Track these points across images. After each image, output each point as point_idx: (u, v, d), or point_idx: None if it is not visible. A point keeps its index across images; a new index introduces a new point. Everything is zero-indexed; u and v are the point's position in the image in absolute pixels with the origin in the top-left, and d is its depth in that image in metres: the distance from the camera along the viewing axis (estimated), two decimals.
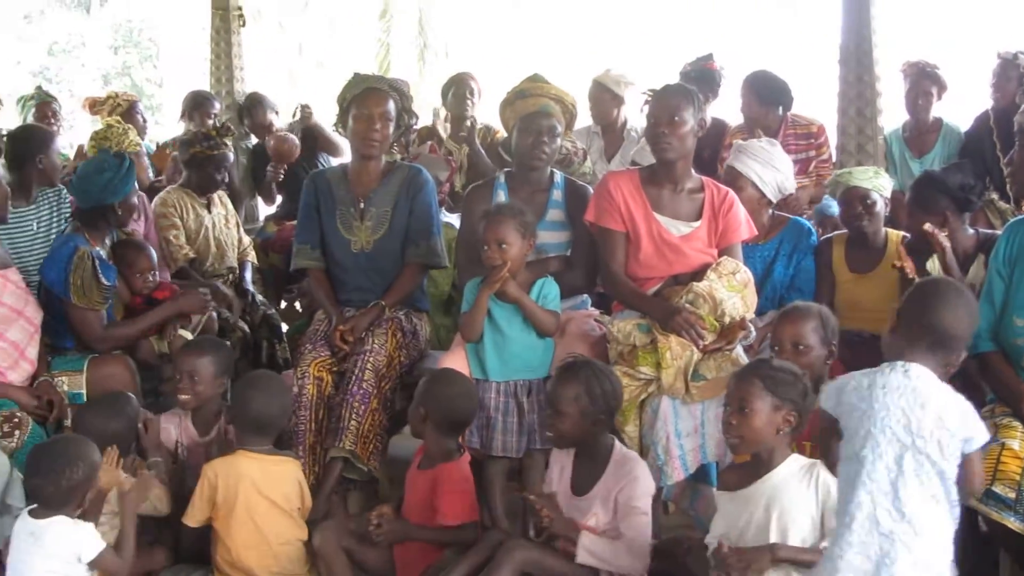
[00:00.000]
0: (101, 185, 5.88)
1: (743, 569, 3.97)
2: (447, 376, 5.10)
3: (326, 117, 8.36)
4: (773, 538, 4.01)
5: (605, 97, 8.54)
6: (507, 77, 6.90)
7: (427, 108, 8.90)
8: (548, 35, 24.00)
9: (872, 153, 7.42)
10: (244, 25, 9.76)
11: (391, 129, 6.05)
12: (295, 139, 8.67)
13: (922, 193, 5.82)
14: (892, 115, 7.95)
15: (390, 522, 4.85)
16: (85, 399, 5.54)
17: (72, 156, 8.14)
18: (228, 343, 6.09)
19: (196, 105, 9.06)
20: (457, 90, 8.65)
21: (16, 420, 5.22)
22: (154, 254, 6.32)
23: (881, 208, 6.01)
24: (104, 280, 5.70)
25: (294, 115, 9.17)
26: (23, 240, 6.03)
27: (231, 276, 7.43)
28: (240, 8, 9.69)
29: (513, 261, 5.35)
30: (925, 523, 3.48)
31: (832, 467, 3.93)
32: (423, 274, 6.24)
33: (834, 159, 7.69)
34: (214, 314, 6.63)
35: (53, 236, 6.05)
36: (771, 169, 6.01)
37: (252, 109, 9.28)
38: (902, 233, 6.02)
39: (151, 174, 8.47)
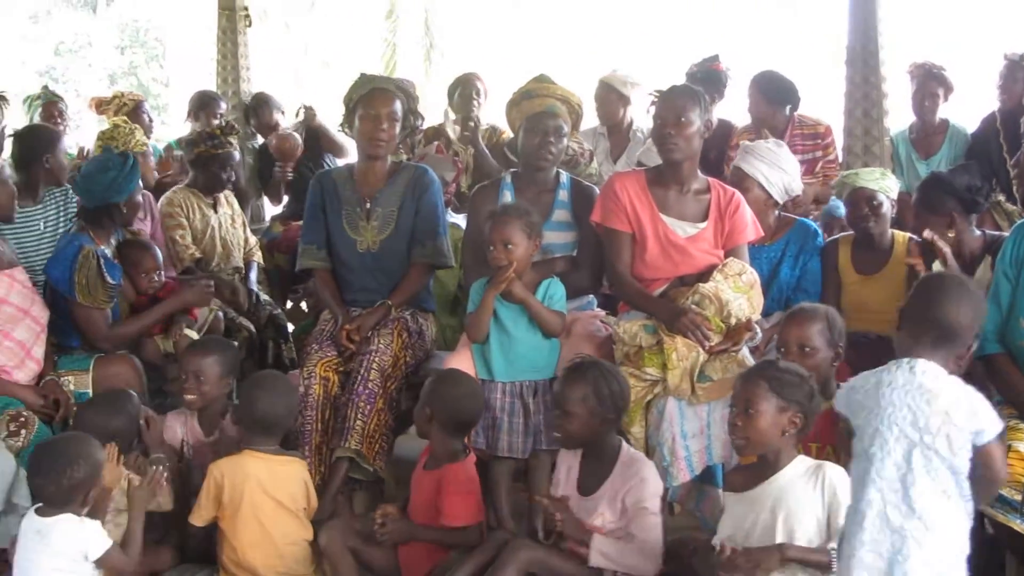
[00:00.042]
0: (105, 184, 5.89)
1: (752, 569, 3.97)
2: (453, 377, 5.10)
3: (332, 117, 8.35)
4: (779, 539, 4.02)
5: (611, 97, 8.53)
6: (513, 78, 6.90)
7: (433, 108, 8.88)
8: (553, 36, 24.01)
9: (878, 154, 7.40)
10: (250, 25, 9.75)
11: (397, 129, 6.05)
12: (297, 137, 8.68)
13: (929, 194, 5.81)
14: (898, 116, 7.94)
15: (394, 522, 4.85)
16: None
17: (76, 156, 8.14)
18: (234, 343, 6.09)
19: (202, 105, 9.07)
20: (463, 90, 8.65)
21: (23, 419, 5.22)
22: (159, 254, 6.31)
23: (887, 209, 6.00)
24: (109, 279, 5.70)
25: (297, 115, 9.17)
26: (30, 239, 6.05)
27: (237, 276, 7.42)
28: (246, 8, 9.69)
29: (519, 262, 5.36)
30: (937, 519, 3.47)
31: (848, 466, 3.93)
32: (429, 274, 6.24)
33: (840, 160, 7.68)
34: (220, 314, 6.64)
35: (60, 236, 6.05)
36: (778, 170, 6.00)
37: (258, 109, 9.28)
38: (909, 234, 6.02)
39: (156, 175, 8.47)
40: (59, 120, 8.81)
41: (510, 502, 5.38)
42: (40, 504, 4.45)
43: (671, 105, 5.39)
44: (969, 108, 8.48)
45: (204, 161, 7.38)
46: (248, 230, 7.81)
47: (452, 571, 4.62)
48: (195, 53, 20.11)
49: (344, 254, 6.11)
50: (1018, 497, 4.34)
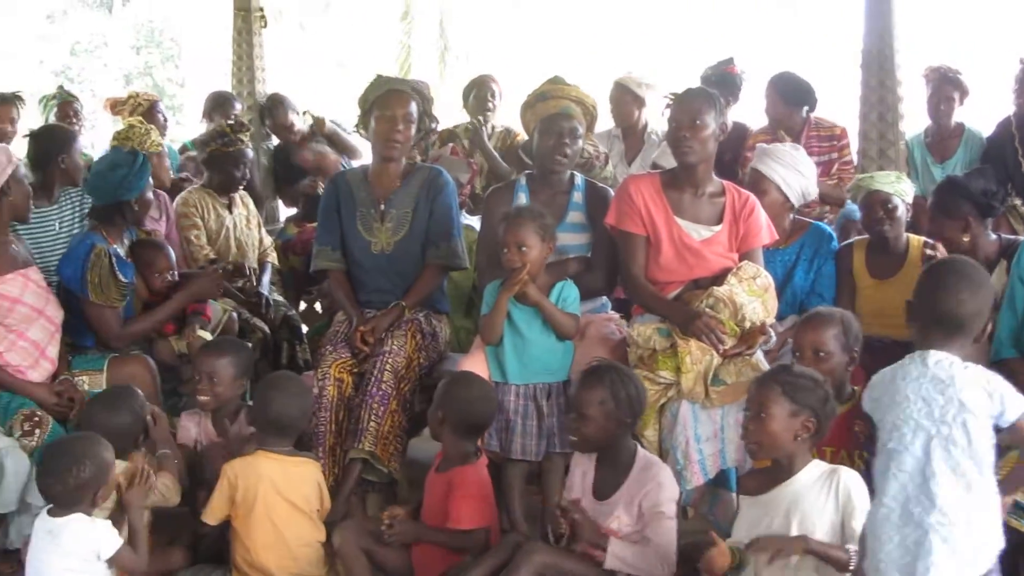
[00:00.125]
0: (116, 182, 5.89)
1: (775, 552, 3.97)
2: (465, 379, 5.10)
3: (347, 118, 8.36)
4: None
5: (626, 99, 8.53)
6: (528, 79, 6.90)
7: (447, 110, 8.89)
8: (567, 38, 24.00)
9: (894, 158, 7.40)
10: (265, 26, 9.76)
11: (413, 131, 6.04)
12: (334, 154, 8.69)
13: (944, 199, 5.80)
14: (914, 120, 7.93)
15: (402, 523, 4.86)
16: None
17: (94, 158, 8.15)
18: (248, 344, 6.09)
19: (217, 105, 9.08)
20: (478, 93, 8.66)
21: (37, 419, 5.24)
22: (172, 253, 6.30)
23: (903, 213, 5.99)
24: (121, 277, 5.71)
25: (303, 115, 9.19)
26: (45, 240, 6.06)
27: (252, 277, 7.42)
28: (262, 9, 9.70)
29: (533, 264, 5.35)
30: (960, 512, 3.44)
31: None
32: (443, 275, 6.24)
33: (855, 164, 7.67)
34: (234, 314, 6.64)
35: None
36: (796, 174, 5.99)
37: (273, 110, 9.28)
38: (923, 238, 6.01)
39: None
40: (74, 120, 8.83)
41: (523, 505, 5.38)
42: (51, 504, 4.46)
43: (686, 108, 5.38)
44: (985, 112, 8.46)
45: (217, 160, 7.39)
46: (263, 231, 7.81)
47: (465, 574, 4.62)
48: (210, 54, 20.09)
49: (358, 255, 6.12)
50: None
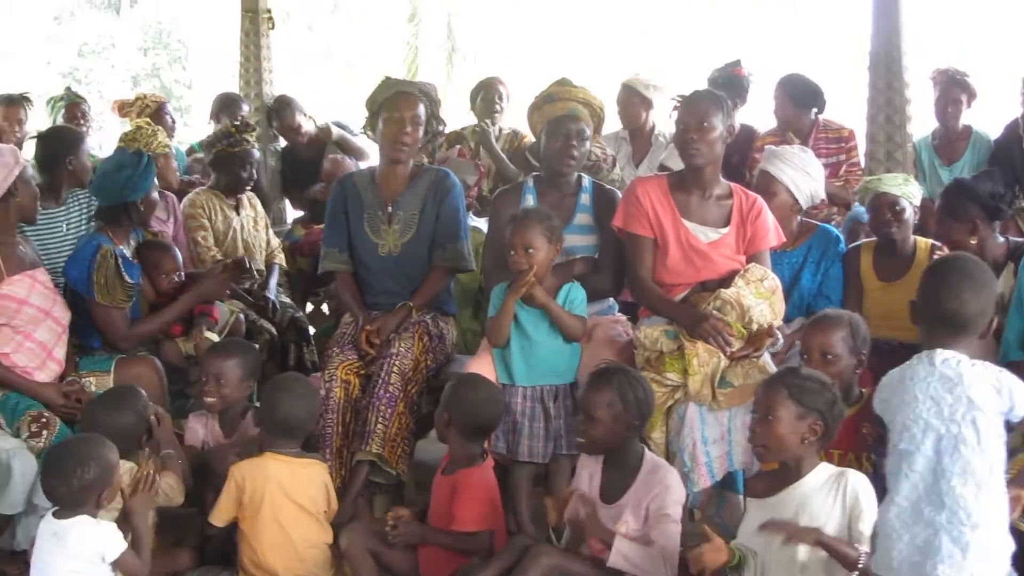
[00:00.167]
0: (121, 183, 5.89)
1: (789, 536, 3.99)
2: (472, 381, 5.10)
3: (354, 119, 8.36)
4: (801, 547, 4.01)
5: (634, 100, 8.54)
6: (535, 81, 6.90)
7: (454, 112, 8.89)
8: (574, 40, 24.00)
9: (901, 161, 7.39)
10: (273, 27, 9.76)
11: (421, 133, 6.05)
12: (351, 161, 8.69)
13: (952, 201, 5.80)
14: (921, 123, 7.92)
15: (406, 524, 4.86)
16: None
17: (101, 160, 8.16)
18: (255, 345, 6.09)
19: (224, 107, 9.09)
20: (486, 95, 8.67)
21: (44, 420, 5.24)
22: (179, 255, 6.31)
23: (910, 215, 5.98)
24: (127, 278, 5.71)
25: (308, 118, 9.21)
26: (52, 241, 6.06)
27: (258, 278, 7.42)
28: (269, 11, 9.70)
29: (539, 266, 5.34)
30: (970, 512, 3.44)
31: None
32: (450, 277, 6.24)
33: (863, 166, 7.67)
34: (241, 316, 6.64)
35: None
36: (805, 176, 5.99)
37: (281, 111, 9.28)
38: (931, 241, 6.00)
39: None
40: (82, 121, 8.85)
41: (530, 507, 5.37)
42: (56, 506, 4.46)
43: (694, 110, 5.38)
44: (992, 114, 8.45)
45: (223, 161, 7.40)
46: (271, 232, 7.81)
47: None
48: (218, 55, 20.16)
49: (366, 257, 6.12)
50: None
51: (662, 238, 5.44)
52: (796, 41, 22.23)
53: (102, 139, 11.53)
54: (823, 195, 6.26)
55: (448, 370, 5.99)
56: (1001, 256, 5.69)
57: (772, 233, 5.52)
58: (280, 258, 7.77)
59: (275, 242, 7.81)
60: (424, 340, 5.86)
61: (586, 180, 6.03)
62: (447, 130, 6.95)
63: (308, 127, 9.22)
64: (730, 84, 8.01)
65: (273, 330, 6.92)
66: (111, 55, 27.22)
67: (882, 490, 3.75)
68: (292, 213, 9.58)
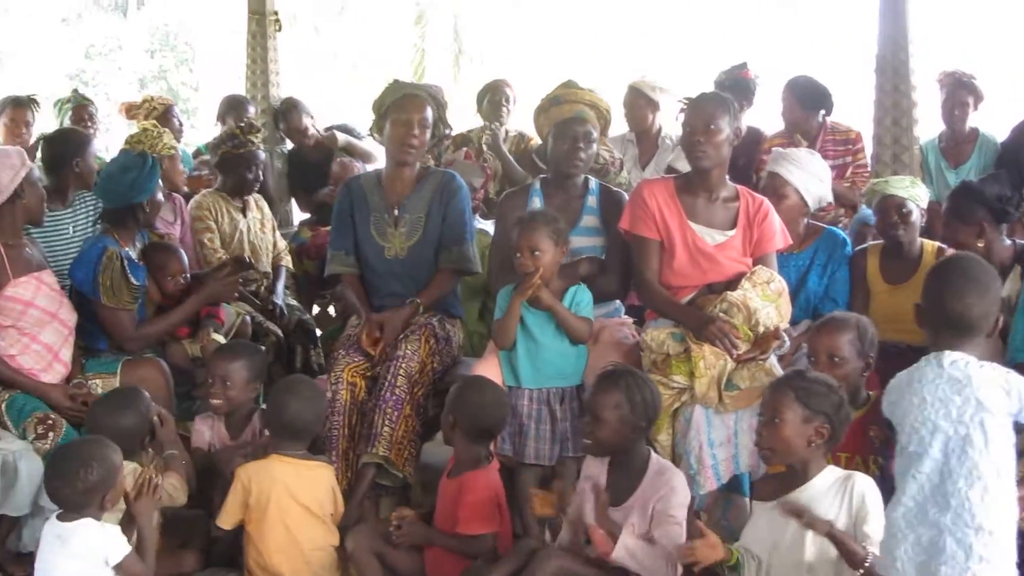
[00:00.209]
0: (127, 184, 5.89)
1: (805, 519, 3.98)
2: (477, 383, 5.10)
3: (361, 121, 8.36)
4: (808, 549, 4.02)
5: (640, 103, 8.52)
6: (540, 83, 6.90)
7: (461, 114, 8.88)
8: (580, 42, 24.02)
9: (908, 163, 7.39)
10: (280, 30, 9.75)
11: (428, 136, 6.05)
12: (360, 164, 8.69)
13: (959, 204, 5.79)
14: (928, 125, 7.92)
15: (410, 525, 4.87)
16: None
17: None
18: (262, 347, 6.09)
19: (231, 109, 9.08)
20: (493, 97, 8.66)
21: (50, 422, 5.24)
22: (184, 257, 6.32)
23: (917, 218, 5.98)
24: (133, 280, 5.71)
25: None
26: (59, 243, 6.07)
27: (265, 282, 7.42)
28: (276, 13, 9.69)
29: (546, 268, 5.35)
30: (974, 513, 3.43)
31: None
32: (456, 279, 6.23)
33: (869, 168, 7.66)
34: (247, 318, 6.64)
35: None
36: (815, 178, 5.99)
37: (288, 113, 9.28)
38: (938, 244, 5.99)
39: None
40: (89, 124, 8.83)
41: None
42: (60, 509, 4.46)
43: (700, 112, 5.38)
44: (999, 117, 8.44)
45: (228, 162, 7.39)
46: (277, 234, 7.80)
47: None
48: (225, 57, 20.13)
49: (372, 260, 6.12)
50: None
51: (668, 240, 5.44)
52: (796, 41, 22.25)
53: (109, 141, 11.51)
54: (830, 198, 6.26)
55: (454, 372, 5.99)
56: (1008, 259, 5.67)
57: (779, 235, 5.52)
58: (287, 260, 7.76)
59: (282, 244, 7.80)
60: (430, 342, 5.85)
61: (593, 182, 6.03)
62: (453, 133, 6.94)
63: (314, 129, 9.22)
64: (737, 86, 8.01)
65: (279, 332, 6.92)
66: (118, 57, 27.28)
67: (889, 493, 3.74)
68: (299, 215, 9.57)
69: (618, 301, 6.06)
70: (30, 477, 4.99)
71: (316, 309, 8.36)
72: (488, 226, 6.94)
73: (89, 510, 4.39)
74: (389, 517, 4.99)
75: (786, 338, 5.28)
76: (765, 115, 8.53)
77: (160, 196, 6.18)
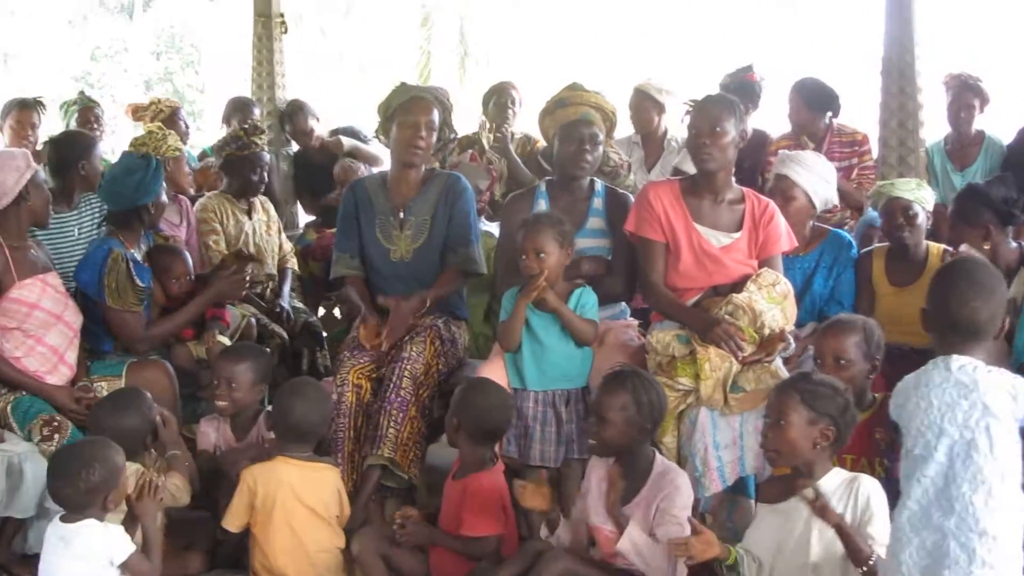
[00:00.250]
0: (132, 186, 5.88)
1: (820, 505, 4.01)
2: (481, 385, 5.10)
3: (366, 123, 8.35)
4: (814, 551, 4.03)
5: (646, 105, 8.52)
6: (546, 86, 6.89)
7: (466, 116, 8.88)
8: (586, 44, 24.02)
9: (914, 166, 7.39)
10: (286, 32, 9.75)
11: (434, 139, 6.05)
12: (361, 166, 8.70)
13: (965, 206, 5.79)
14: (934, 127, 7.91)
15: (414, 524, 4.88)
16: None
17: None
18: (267, 349, 6.10)
19: (236, 111, 9.09)
20: (498, 99, 8.65)
21: (56, 424, 5.25)
22: (189, 259, 6.32)
23: (923, 220, 5.97)
24: (139, 282, 5.72)
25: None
26: (65, 245, 6.08)
27: (270, 284, 7.42)
28: (282, 15, 9.69)
29: (551, 270, 5.34)
30: (978, 518, 3.42)
31: None
32: (462, 279, 6.22)
33: (876, 170, 7.66)
34: (253, 320, 6.64)
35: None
36: (822, 180, 6.00)
37: (293, 115, 9.29)
38: (943, 246, 5.99)
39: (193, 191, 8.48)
40: (95, 126, 8.83)
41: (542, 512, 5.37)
42: (64, 511, 4.46)
43: (706, 115, 5.38)
44: (1005, 119, 8.43)
45: (233, 164, 7.38)
46: (283, 236, 7.80)
47: None
48: (231, 59, 20.13)
49: (377, 263, 6.11)
50: None
51: (674, 242, 5.44)
52: (796, 41, 22.23)
53: (115, 143, 11.52)
54: (836, 201, 6.26)
55: (460, 374, 5.98)
56: (1014, 261, 5.68)
57: (784, 238, 5.52)
58: (292, 263, 7.76)
59: (287, 246, 7.80)
60: (436, 344, 5.85)
61: (599, 184, 6.03)
62: (458, 136, 6.93)
63: (320, 131, 9.22)
64: (742, 89, 7.99)
65: (284, 334, 6.92)
66: (124, 59, 27.24)
67: (895, 495, 3.74)
68: (304, 217, 9.57)
69: (623, 303, 6.06)
70: (35, 479, 4.99)
71: (322, 311, 8.36)
72: (493, 228, 6.94)
73: (92, 511, 4.40)
74: (393, 515, 4.98)
75: (792, 340, 5.27)
76: (770, 117, 8.53)
77: (165, 198, 6.18)
